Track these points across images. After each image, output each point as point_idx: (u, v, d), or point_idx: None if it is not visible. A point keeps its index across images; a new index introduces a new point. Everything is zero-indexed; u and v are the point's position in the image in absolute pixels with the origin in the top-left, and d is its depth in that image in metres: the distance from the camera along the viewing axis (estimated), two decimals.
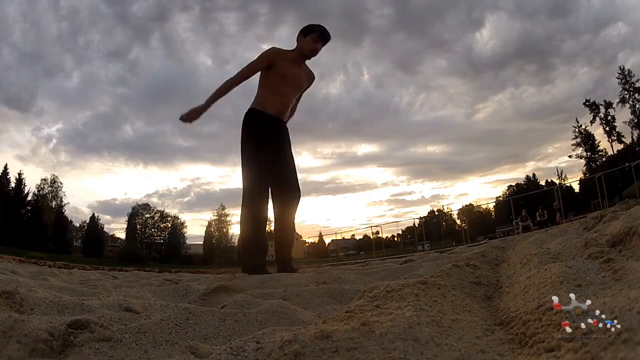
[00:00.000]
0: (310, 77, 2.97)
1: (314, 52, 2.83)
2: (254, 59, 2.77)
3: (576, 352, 0.42)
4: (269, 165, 2.69)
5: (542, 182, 43.22)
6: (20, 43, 50.00)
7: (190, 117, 2.64)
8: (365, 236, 40.93)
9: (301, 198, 2.81)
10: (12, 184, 35.38)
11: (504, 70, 62.59)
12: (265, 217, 2.68)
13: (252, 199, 2.62)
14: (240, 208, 2.68)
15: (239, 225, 2.77)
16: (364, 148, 72.00)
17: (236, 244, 41.07)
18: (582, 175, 36.00)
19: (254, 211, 2.63)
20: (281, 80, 2.78)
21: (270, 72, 2.77)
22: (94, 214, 41.81)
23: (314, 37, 2.80)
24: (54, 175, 39.94)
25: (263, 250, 2.64)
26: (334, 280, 1.70)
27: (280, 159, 2.77)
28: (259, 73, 2.80)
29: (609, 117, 36.65)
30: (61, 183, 39.33)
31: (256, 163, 2.67)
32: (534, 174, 47.39)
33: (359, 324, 0.52)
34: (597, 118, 37.23)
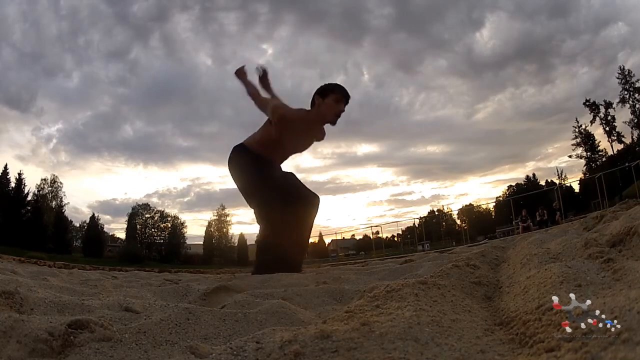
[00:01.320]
0: (319, 137, 2.74)
1: (338, 116, 2.48)
2: (274, 104, 2.53)
3: (576, 352, 0.42)
4: (280, 175, 2.63)
5: (542, 182, 43.24)
6: (20, 43, 50.07)
7: (240, 74, 2.89)
8: (365, 236, 40.91)
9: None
10: (12, 184, 35.39)
11: (504, 70, 62.57)
12: (293, 220, 2.56)
13: (274, 206, 2.48)
14: (258, 214, 2.58)
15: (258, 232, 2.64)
16: (364, 148, 72.02)
17: (239, 246, 40.73)
18: (582, 175, 36.05)
19: (284, 214, 2.47)
20: (283, 143, 2.59)
21: (274, 131, 2.54)
22: (94, 214, 41.81)
23: (336, 97, 2.45)
24: (54, 175, 39.98)
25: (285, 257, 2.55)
26: (334, 280, 1.70)
27: (285, 174, 2.69)
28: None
29: (609, 117, 36.68)
30: (61, 183, 39.36)
31: (267, 173, 2.55)
32: (534, 174, 47.44)
33: (359, 324, 0.52)
34: (597, 118, 37.27)
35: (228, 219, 45.88)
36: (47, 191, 37.70)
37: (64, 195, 39.10)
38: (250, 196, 2.63)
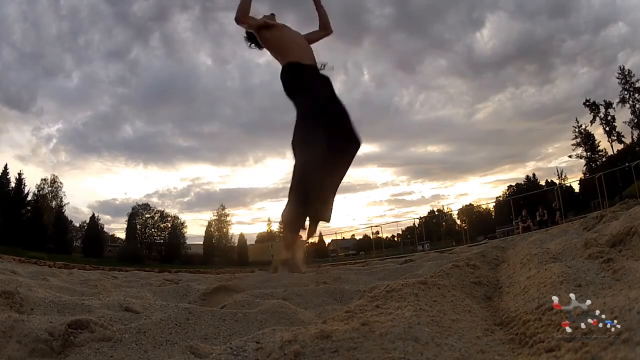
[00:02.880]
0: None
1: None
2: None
3: (576, 352, 0.42)
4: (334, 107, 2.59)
5: (542, 182, 43.17)
6: (20, 43, 49.93)
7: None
8: (365, 236, 40.84)
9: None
10: (12, 184, 35.37)
11: (504, 70, 62.36)
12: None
13: (318, 147, 2.36)
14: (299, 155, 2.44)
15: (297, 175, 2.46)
16: (364, 148, 71.21)
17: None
18: (582, 175, 36.04)
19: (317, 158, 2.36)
20: (286, 37, 2.72)
21: (270, 36, 2.70)
22: (94, 214, 41.74)
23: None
24: (54, 175, 39.91)
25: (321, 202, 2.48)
26: (334, 280, 1.70)
27: (335, 104, 2.63)
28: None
29: (609, 117, 36.65)
30: (61, 183, 39.27)
31: (322, 102, 2.48)
32: (534, 174, 47.35)
33: (359, 324, 0.52)
34: (597, 118, 37.23)
35: (228, 219, 45.88)
36: (47, 191, 37.69)
37: (64, 195, 39.07)
38: (300, 130, 2.49)
